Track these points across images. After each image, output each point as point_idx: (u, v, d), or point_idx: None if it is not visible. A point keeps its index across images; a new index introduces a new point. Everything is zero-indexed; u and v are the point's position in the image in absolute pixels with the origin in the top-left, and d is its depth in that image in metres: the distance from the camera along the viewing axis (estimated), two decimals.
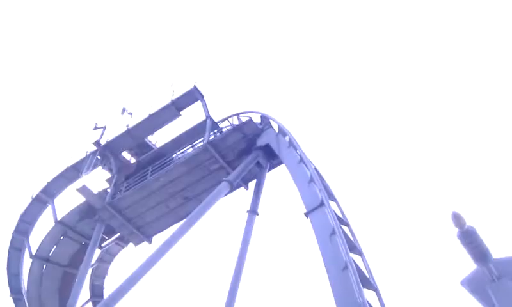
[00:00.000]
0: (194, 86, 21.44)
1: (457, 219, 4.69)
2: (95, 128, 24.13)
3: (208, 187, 20.47)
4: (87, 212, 22.53)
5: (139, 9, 64.24)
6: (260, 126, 20.13)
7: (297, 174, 16.04)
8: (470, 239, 4.63)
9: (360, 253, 13.39)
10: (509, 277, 4.42)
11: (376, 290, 12.19)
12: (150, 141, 24.14)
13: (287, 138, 18.03)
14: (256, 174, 20.35)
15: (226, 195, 19.26)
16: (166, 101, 22.09)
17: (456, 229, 4.79)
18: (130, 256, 25.85)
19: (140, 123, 22.41)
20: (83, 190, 21.72)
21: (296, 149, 17.13)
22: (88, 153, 23.55)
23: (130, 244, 23.93)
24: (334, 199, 15.66)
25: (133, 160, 23.94)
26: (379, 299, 11.94)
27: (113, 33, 66.86)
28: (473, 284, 4.66)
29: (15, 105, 62.56)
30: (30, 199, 23.87)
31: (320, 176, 16.48)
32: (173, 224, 21.92)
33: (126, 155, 24.30)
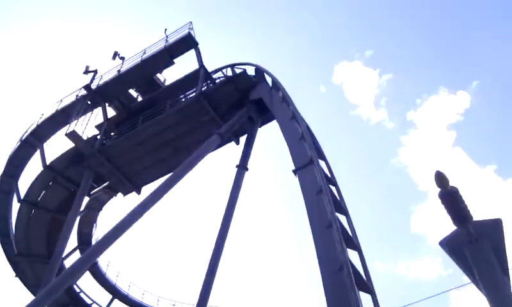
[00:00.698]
0: (189, 33, 20.68)
1: (440, 179, 4.39)
2: (86, 71, 23.47)
3: (198, 138, 19.92)
4: (76, 158, 22.09)
5: None
6: (254, 79, 19.55)
7: (289, 131, 15.64)
8: (452, 199, 4.34)
9: (345, 213, 13.19)
10: (487, 239, 4.19)
11: (359, 250, 12.08)
12: (158, 79, 23.32)
13: (280, 93, 17.47)
14: (248, 128, 19.96)
15: (216, 148, 18.94)
16: (159, 47, 21.40)
17: (439, 189, 4.48)
18: (120, 206, 25.84)
19: (132, 68, 21.69)
20: (72, 135, 21.25)
21: (288, 106, 16.62)
22: (78, 97, 22.97)
23: (120, 194, 23.79)
24: (324, 158, 15.34)
25: (140, 99, 23.35)
26: (361, 260, 11.84)
27: None
28: (452, 245, 4.44)
29: (3, 45, 61.21)
30: (19, 142, 23.50)
31: (311, 134, 16.12)
32: (163, 175, 21.41)
33: (133, 92, 23.72)
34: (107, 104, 22.95)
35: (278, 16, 60.33)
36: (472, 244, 4.21)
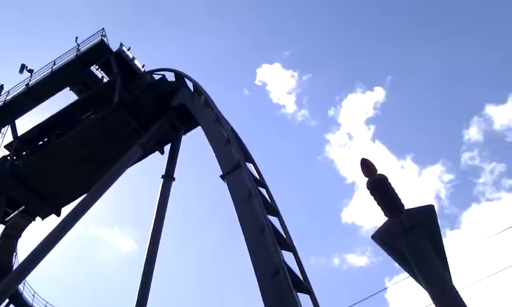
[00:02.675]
0: (101, 40, 19.56)
1: (367, 167, 4.06)
2: None
3: (120, 151, 18.92)
4: None
5: None
6: (175, 85, 18.78)
7: (214, 135, 15.09)
8: (381, 188, 4.02)
9: (277, 214, 12.90)
10: (421, 229, 3.92)
11: (293, 251, 11.83)
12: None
13: (202, 98, 16.84)
14: (172, 136, 19.18)
15: (139, 160, 18.03)
16: (71, 57, 20.04)
17: (366, 179, 4.15)
18: (42, 228, 23.87)
19: (41, 80, 20.16)
20: None
21: (212, 109, 16.08)
22: None
23: (38, 218, 21.99)
24: (251, 161, 14.98)
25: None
26: (296, 260, 11.61)
27: None
28: (384, 238, 4.14)
29: None
30: None
31: (237, 137, 15.70)
32: (83, 194, 20.02)
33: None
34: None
35: (196, 22, 59.69)
36: (406, 235, 3.92)
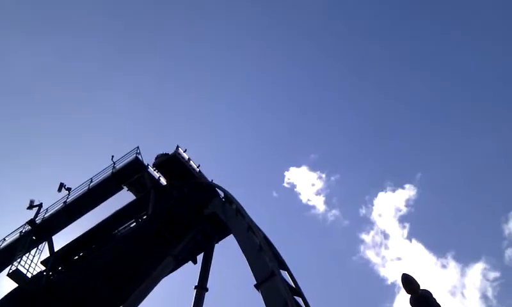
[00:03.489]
0: (136, 157, 20.61)
1: (409, 283, 4.13)
2: (30, 206, 22.51)
3: (154, 262, 19.09)
4: (20, 299, 20.30)
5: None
6: (207, 195, 19.32)
7: (246, 244, 15.16)
8: (425, 305, 4.05)
9: None
10: None
11: None
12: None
13: (233, 206, 17.24)
14: (204, 246, 19.33)
15: (172, 271, 18.05)
16: (106, 174, 21.04)
17: (409, 295, 4.20)
18: None
19: (78, 198, 21.07)
20: (15, 274, 19.69)
21: (244, 217, 16.35)
22: (22, 233, 21.74)
23: None
24: (286, 268, 14.84)
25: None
26: None
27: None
28: None
29: None
30: None
31: (270, 243, 15.71)
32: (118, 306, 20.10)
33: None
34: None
35: (221, 125, 62.10)
36: None
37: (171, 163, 20.83)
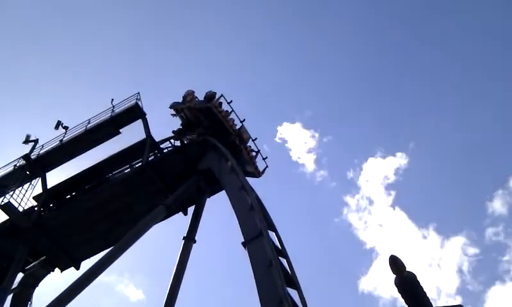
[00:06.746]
0: (136, 103, 20.41)
1: (396, 265, 4.18)
2: (26, 141, 22.44)
3: (144, 210, 19.28)
4: (11, 230, 20.59)
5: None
6: (202, 149, 19.29)
7: (238, 202, 15.29)
8: (409, 287, 4.12)
9: (297, 288, 12.80)
10: None
11: None
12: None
13: (229, 163, 17.28)
14: (196, 199, 19.48)
15: (162, 220, 18.24)
16: (105, 117, 20.91)
17: (394, 276, 4.26)
18: (58, 281, 23.97)
19: (75, 138, 20.97)
20: (6, 207, 19.85)
21: (237, 176, 16.43)
22: (16, 167, 21.79)
23: (57, 269, 22.17)
24: (274, 229, 15.07)
25: None
26: None
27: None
28: None
29: None
30: None
31: (261, 204, 15.88)
32: (104, 249, 20.18)
33: None
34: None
35: (220, 77, 61.43)
36: None
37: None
